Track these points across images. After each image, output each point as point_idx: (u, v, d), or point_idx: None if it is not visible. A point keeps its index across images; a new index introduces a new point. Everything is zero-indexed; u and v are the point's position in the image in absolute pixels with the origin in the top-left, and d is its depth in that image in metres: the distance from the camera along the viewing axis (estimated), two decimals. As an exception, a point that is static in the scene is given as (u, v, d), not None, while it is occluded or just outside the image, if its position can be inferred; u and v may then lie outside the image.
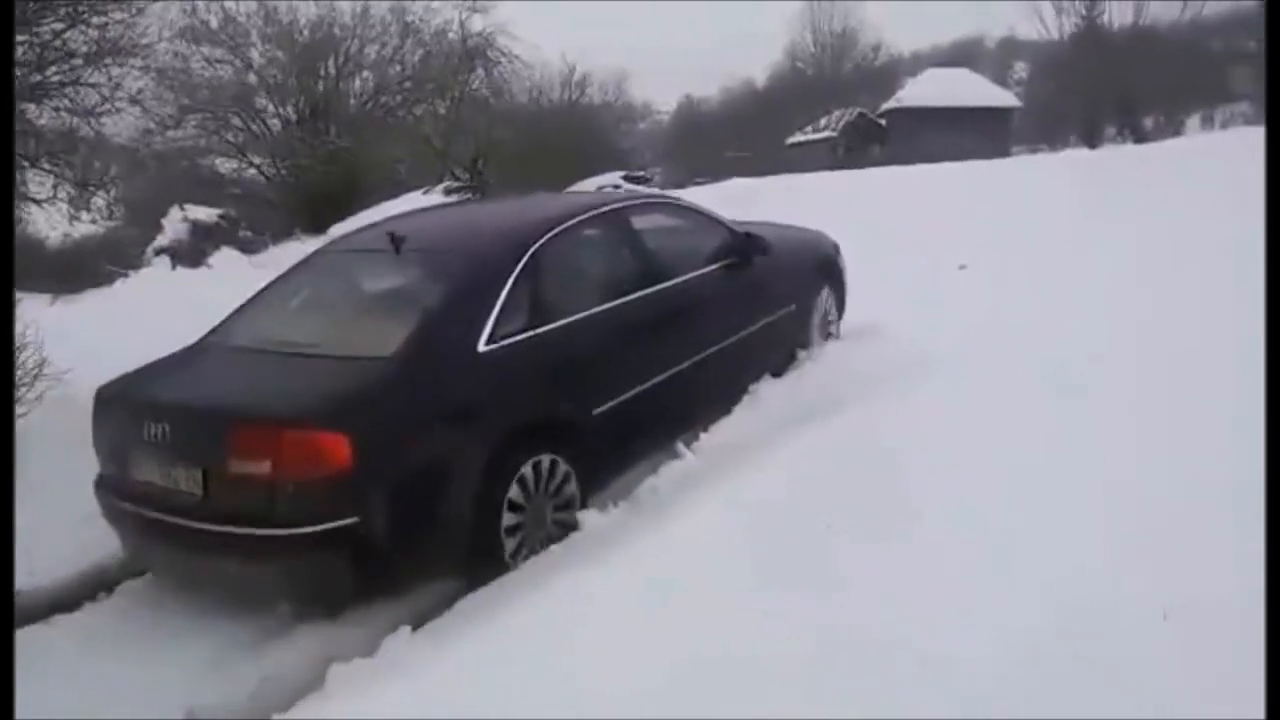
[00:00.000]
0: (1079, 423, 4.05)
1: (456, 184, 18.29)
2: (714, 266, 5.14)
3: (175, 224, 14.25)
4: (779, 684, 2.46)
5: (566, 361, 4.07)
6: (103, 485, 3.91)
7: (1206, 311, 5.65)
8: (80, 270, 14.82)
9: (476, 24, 24.32)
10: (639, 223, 4.89)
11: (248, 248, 13.58)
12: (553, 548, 3.73)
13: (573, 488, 3.97)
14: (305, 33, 22.63)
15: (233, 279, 9.71)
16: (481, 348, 3.76)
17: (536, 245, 4.16)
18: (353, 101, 23.87)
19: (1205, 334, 5.12)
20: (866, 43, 51.93)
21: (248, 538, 3.32)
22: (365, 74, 24.36)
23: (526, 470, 3.76)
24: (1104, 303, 6.35)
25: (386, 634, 3.24)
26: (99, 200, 9.76)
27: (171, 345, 4.27)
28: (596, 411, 4.13)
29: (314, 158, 21.34)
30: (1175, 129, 38.42)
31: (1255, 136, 21.66)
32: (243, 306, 4.50)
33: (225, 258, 12.46)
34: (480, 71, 25.03)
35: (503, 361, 3.80)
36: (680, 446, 4.51)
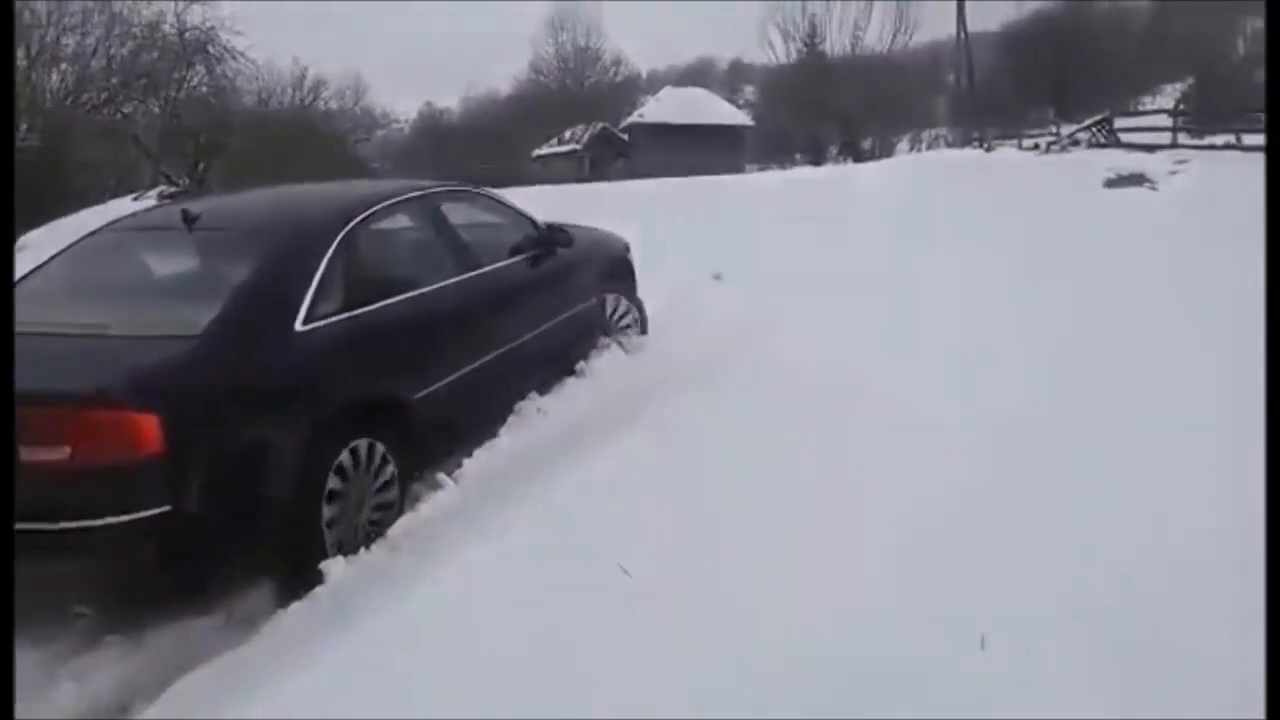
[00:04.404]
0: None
1: (173, 189, 16.69)
2: (523, 256, 5.22)
3: None
4: None
5: (386, 344, 3.96)
6: None
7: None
8: None
9: (195, 16, 22.50)
10: (451, 210, 4.91)
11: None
12: (294, 606, 3.20)
13: (390, 474, 3.83)
14: (-12, 17, 19.99)
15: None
16: (299, 327, 3.57)
17: (353, 224, 4.06)
18: (49, 98, 21.35)
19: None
20: (608, 58, 52.90)
21: (38, 534, 2.86)
22: (64, 67, 21.90)
23: (345, 458, 3.60)
24: (854, 304, 6.76)
25: None
26: None
27: None
28: (418, 396, 4.04)
29: None
30: (887, 150, 42.19)
31: (952, 155, 24.11)
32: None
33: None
34: (201, 69, 23.19)
35: (321, 341, 3.64)
36: (442, 476, 4.14)
